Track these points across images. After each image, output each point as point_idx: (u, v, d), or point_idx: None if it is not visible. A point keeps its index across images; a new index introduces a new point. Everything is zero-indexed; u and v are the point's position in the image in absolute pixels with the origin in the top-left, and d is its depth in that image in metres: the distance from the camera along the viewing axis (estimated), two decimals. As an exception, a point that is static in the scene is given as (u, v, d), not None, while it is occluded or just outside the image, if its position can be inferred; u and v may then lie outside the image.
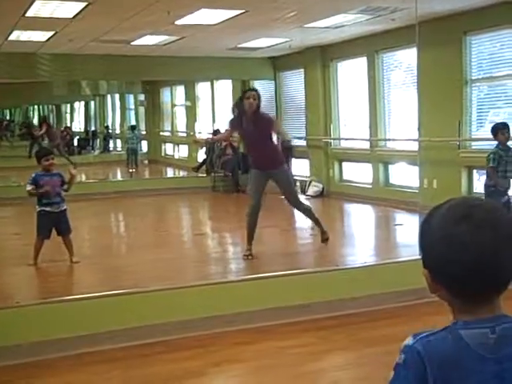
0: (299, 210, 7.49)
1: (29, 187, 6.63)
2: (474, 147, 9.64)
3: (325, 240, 7.38)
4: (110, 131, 24.60)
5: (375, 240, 8.68)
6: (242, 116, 6.89)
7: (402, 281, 5.31)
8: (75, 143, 24.94)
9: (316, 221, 7.44)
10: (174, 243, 8.47)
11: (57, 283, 6.33)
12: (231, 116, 7.26)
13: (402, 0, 8.18)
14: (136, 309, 4.67)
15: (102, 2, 7.73)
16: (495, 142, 7.39)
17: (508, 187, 7.22)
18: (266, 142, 7.02)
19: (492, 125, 7.54)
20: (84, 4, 7.93)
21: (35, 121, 31.88)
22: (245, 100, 6.81)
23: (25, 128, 27.63)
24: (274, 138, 7.54)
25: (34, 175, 6.69)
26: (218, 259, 7.38)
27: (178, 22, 9.32)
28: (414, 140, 10.25)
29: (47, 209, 6.65)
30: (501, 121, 7.71)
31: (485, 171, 9.74)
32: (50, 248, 6.91)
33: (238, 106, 6.99)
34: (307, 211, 7.47)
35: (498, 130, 7.17)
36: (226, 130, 7.61)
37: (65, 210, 6.79)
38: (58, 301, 4.78)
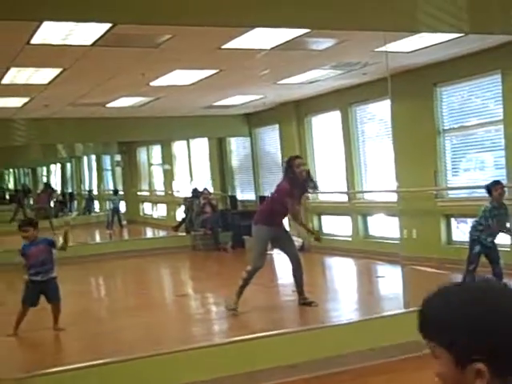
0: (297, 266, 7.36)
1: (20, 258, 6.60)
2: (450, 196, 9.74)
3: (308, 303, 7.29)
4: (94, 193, 24.33)
5: (358, 294, 8.62)
6: (294, 183, 7.12)
7: (388, 336, 5.26)
8: (52, 205, 24.75)
9: (301, 285, 7.39)
10: (157, 306, 8.34)
11: (41, 354, 6.18)
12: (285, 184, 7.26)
13: (372, 55, 8.36)
14: (120, 378, 4.55)
15: (76, 67, 7.78)
16: (474, 190, 7.50)
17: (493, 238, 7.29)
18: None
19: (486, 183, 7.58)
20: (59, 70, 7.98)
21: (11, 185, 31.70)
22: (297, 168, 7.12)
23: (16, 192, 27.11)
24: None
25: (21, 246, 6.65)
26: (200, 321, 7.25)
27: (152, 84, 9.41)
28: (392, 191, 10.36)
29: (35, 278, 6.56)
30: (494, 179, 7.80)
31: (463, 219, 9.89)
32: (30, 315, 6.74)
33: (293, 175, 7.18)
34: (301, 271, 7.39)
35: (492, 187, 7.25)
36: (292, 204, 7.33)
37: (54, 277, 6.68)
38: (42, 374, 4.63)
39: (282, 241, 7.37)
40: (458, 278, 8.60)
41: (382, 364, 5.11)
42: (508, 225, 7.39)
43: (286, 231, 7.44)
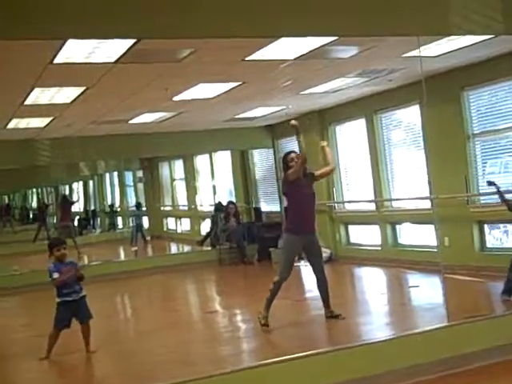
0: (321, 278, 7.22)
1: (55, 275, 6.45)
2: (482, 202, 9.51)
3: (334, 316, 7.15)
4: (117, 209, 24.29)
5: (392, 305, 8.30)
6: (294, 177, 6.99)
7: (431, 351, 5.07)
8: (75, 223, 24.75)
9: (327, 297, 7.24)
10: (186, 324, 8.18)
11: (76, 377, 6.06)
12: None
13: (399, 62, 8.20)
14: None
15: (99, 85, 7.71)
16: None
17: None
18: (314, 200, 7.23)
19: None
20: (82, 89, 7.92)
21: (34, 204, 31.77)
22: (290, 163, 7.05)
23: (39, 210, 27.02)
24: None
25: (51, 266, 6.53)
26: (231, 339, 7.06)
27: (175, 98, 9.32)
28: (425, 198, 10.17)
29: (69, 299, 6.49)
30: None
31: (496, 225, 9.67)
32: (61, 338, 6.65)
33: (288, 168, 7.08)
34: (326, 283, 7.25)
35: None
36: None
37: (84, 296, 6.65)
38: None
39: (310, 250, 7.21)
40: (494, 285, 8.40)
41: (427, 381, 4.91)
42: None
43: (316, 241, 7.22)
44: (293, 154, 7.18)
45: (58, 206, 21.82)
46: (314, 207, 7.25)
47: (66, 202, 21.26)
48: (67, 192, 30.41)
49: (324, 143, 7.74)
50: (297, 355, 4.88)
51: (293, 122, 7.13)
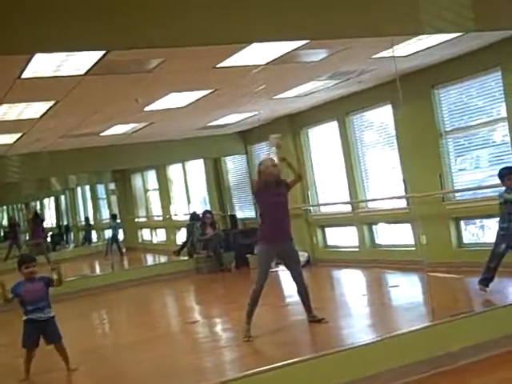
0: (300, 284, 7.17)
1: (10, 295, 6.38)
2: (458, 198, 9.57)
3: (317, 321, 7.11)
4: (90, 223, 24.01)
5: (374, 306, 8.27)
6: (267, 185, 6.89)
7: (416, 352, 5.05)
8: (48, 239, 24.42)
9: (308, 301, 7.21)
10: (168, 336, 8.08)
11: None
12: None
13: (370, 63, 8.21)
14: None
15: (69, 98, 7.59)
16: (482, 190, 7.37)
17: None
18: (287, 209, 7.06)
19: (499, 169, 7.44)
20: (51, 103, 7.79)
21: (4, 221, 31.29)
22: (266, 169, 6.88)
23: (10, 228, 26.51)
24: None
25: (15, 285, 6.42)
26: (214, 350, 6.96)
27: (146, 109, 9.23)
28: (401, 197, 10.21)
29: (33, 317, 6.35)
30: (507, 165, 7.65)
31: (471, 221, 9.74)
32: (41, 357, 6.53)
33: (262, 175, 6.96)
34: (306, 289, 7.21)
35: (504, 175, 7.12)
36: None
37: (52, 316, 6.48)
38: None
39: (286, 258, 7.16)
40: (473, 281, 8.44)
41: (415, 381, 4.89)
42: None
43: (292, 248, 7.16)
44: (263, 167, 7.01)
45: (29, 222, 21.42)
46: (288, 215, 7.12)
47: (38, 218, 20.95)
48: (38, 208, 30.04)
49: (276, 136, 7.32)
50: (281, 363, 4.81)
51: (273, 138, 7.07)
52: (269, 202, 6.98)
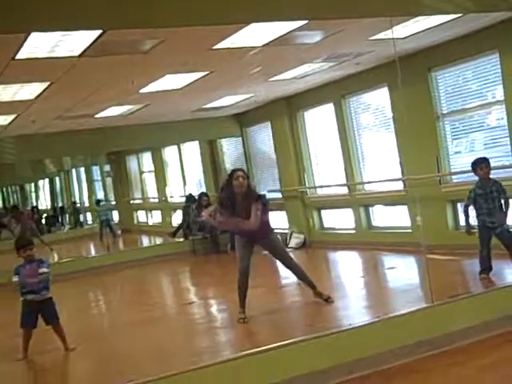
0: (294, 269, 7.25)
1: (14, 278, 6.50)
2: (454, 181, 9.57)
3: (325, 299, 7.15)
4: (78, 206, 24.06)
5: (372, 288, 8.30)
6: (233, 197, 6.81)
7: (415, 332, 5.07)
8: (43, 221, 24.38)
9: (309, 280, 7.24)
10: (165, 317, 8.10)
11: (54, 376, 5.95)
12: (219, 197, 7.06)
13: (366, 45, 8.17)
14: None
15: (64, 80, 7.54)
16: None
17: (496, 221, 7.10)
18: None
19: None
20: (46, 84, 7.73)
21: (-1, 204, 31.18)
22: (234, 181, 6.78)
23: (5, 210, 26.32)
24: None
25: (16, 267, 6.52)
26: (211, 330, 6.99)
27: (142, 91, 9.17)
28: (397, 179, 10.21)
29: (29, 297, 6.44)
30: (480, 156, 7.64)
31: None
32: (40, 337, 6.56)
33: (228, 187, 6.87)
34: (301, 271, 7.26)
35: (476, 165, 7.14)
36: (219, 215, 6.98)
37: (49, 298, 6.54)
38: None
39: (271, 250, 7.20)
40: (470, 263, 8.47)
41: (414, 362, 4.91)
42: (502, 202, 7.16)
43: (273, 240, 7.16)
44: (239, 173, 6.90)
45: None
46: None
47: (17, 211, 20.65)
48: (33, 189, 29.94)
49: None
50: (277, 344, 4.82)
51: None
52: (234, 214, 6.85)
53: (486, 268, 7.19)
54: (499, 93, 8.58)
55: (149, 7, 4.63)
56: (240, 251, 7.02)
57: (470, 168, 9.24)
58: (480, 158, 7.32)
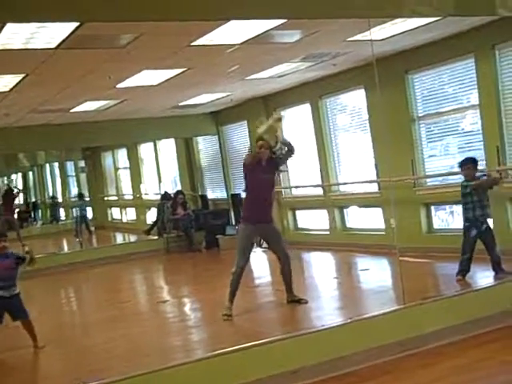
0: (286, 263, 7.15)
1: None
2: (429, 184, 9.63)
3: (297, 301, 7.14)
4: (58, 201, 23.71)
5: (346, 289, 8.31)
6: (257, 164, 6.84)
7: (389, 333, 5.09)
8: (15, 216, 24.06)
9: (291, 281, 7.20)
10: (138, 315, 8.03)
11: (23, 375, 5.85)
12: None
13: (344, 46, 8.18)
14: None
15: (40, 72, 7.45)
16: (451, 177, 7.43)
17: (481, 217, 7.15)
18: (273, 191, 7.06)
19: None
20: (21, 76, 7.63)
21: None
22: (258, 150, 6.84)
23: None
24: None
25: None
26: (185, 328, 6.96)
27: (119, 86, 9.09)
28: (372, 181, 10.24)
29: None
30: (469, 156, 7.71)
31: (441, 207, 9.82)
32: (8, 334, 6.46)
33: (253, 156, 6.92)
34: (290, 271, 7.19)
35: (462, 165, 7.22)
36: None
37: (17, 293, 6.39)
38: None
39: (269, 239, 7.16)
40: (442, 266, 8.53)
41: (385, 363, 4.93)
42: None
43: (273, 229, 7.12)
44: (261, 142, 6.95)
45: (1, 198, 21.03)
46: (271, 196, 7.12)
47: (10, 194, 20.63)
48: (5, 183, 29.50)
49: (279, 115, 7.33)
50: (249, 344, 4.81)
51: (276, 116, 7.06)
52: (253, 180, 6.91)
53: (464, 270, 7.23)
54: (474, 97, 8.66)
55: (126, 0, 4.57)
56: (243, 241, 6.94)
57: (444, 171, 9.39)
58: (466, 158, 7.41)
